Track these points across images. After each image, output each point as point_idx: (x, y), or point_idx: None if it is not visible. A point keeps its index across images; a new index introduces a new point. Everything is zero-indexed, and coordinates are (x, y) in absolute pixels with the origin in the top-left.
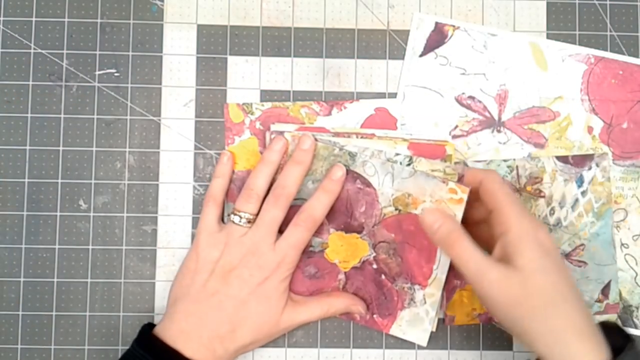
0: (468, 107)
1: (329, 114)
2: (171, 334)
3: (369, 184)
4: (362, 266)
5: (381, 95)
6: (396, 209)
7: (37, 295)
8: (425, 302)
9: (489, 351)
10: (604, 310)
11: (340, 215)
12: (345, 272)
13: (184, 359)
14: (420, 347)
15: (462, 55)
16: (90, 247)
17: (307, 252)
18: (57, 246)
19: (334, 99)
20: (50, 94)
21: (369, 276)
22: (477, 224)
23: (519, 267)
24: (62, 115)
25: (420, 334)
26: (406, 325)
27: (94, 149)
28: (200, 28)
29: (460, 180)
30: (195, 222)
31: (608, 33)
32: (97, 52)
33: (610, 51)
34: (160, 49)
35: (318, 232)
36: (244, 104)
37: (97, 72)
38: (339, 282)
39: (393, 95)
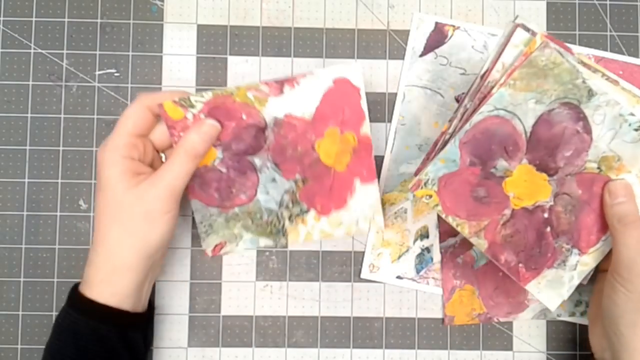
0: None
1: (281, 92)
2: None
3: (589, 131)
4: (533, 210)
5: (381, 96)
6: (598, 167)
7: (37, 295)
8: (575, 269)
9: (489, 351)
10: None
11: (542, 150)
12: (513, 209)
13: (86, 301)
14: (420, 347)
15: (462, 55)
16: (90, 247)
17: (487, 174)
18: (57, 246)
19: None
20: (50, 94)
21: (536, 223)
22: None
23: None
24: (62, 115)
25: (553, 297)
26: (544, 285)
27: (94, 149)
28: (200, 28)
29: None
30: (194, 222)
31: (608, 33)
32: (97, 52)
33: (610, 51)
34: (160, 49)
35: (510, 156)
36: (180, 99)
37: (97, 72)
38: (502, 216)
39: (393, 95)
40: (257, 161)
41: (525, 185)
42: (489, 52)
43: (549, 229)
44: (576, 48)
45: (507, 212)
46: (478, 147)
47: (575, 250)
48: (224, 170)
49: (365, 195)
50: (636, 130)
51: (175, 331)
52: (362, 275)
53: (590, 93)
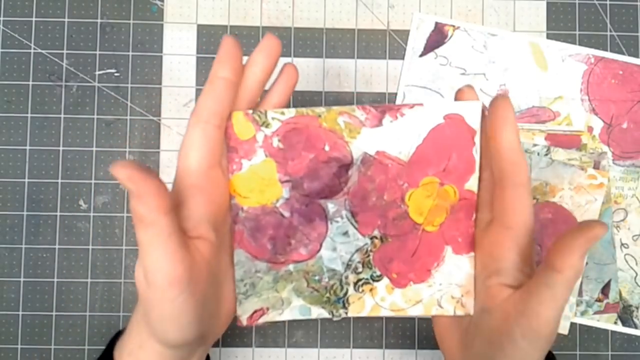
0: None
1: (379, 124)
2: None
3: None
4: None
5: (381, 96)
6: (534, 198)
7: (37, 295)
8: None
9: None
10: (603, 309)
11: None
12: None
13: None
14: (420, 347)
15: (462, 55)
16: (90, 247)
17: None
18: (57, 246)
19: (335, 100)
20: (50, 94)
21: None
22: None
23: None
24: (62, 115)
25: (561, 322)
26: None
27: (94, 149)
28: (200, 28)
29: (596, 166)
30: None
31: (608, 33)
32: (97, 52)
33: (610, 51)
34: (160, 49)
35: None
36: (254, 111)
37: (97, 72)
38: None
39: (393, 95)
40: (331, 207)
41: None
42: (488, 52)
43: None
44: (576, 48)
45: None
46: None
47: None
48: (286, 214)
49: (455, 269)
50: (546, 154)
51: None
52: None
53: None
